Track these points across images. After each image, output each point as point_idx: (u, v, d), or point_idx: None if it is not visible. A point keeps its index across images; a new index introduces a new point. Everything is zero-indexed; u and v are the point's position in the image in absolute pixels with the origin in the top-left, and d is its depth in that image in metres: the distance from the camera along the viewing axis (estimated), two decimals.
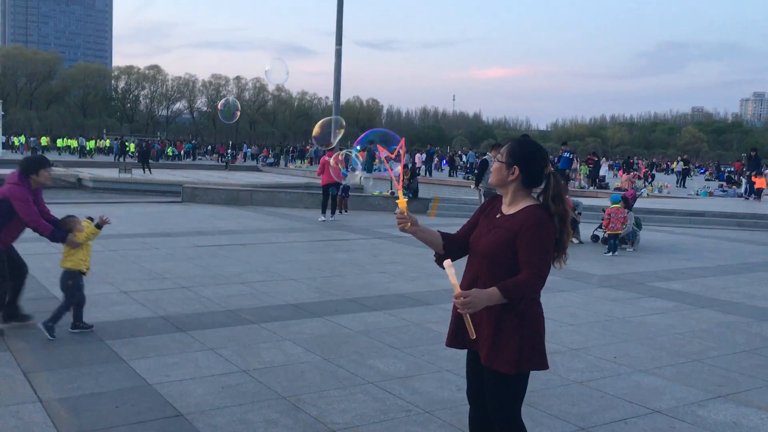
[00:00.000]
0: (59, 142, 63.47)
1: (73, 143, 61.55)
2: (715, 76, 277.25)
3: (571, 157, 27.38)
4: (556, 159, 26.85)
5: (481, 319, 2.93)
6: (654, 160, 55.19)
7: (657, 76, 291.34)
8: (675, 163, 39.24)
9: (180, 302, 7.21)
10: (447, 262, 2.86)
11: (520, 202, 2.99)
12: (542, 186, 3.00)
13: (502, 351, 2.89)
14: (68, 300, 6.08)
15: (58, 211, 6.84)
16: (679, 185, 34.81)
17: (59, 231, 6.13)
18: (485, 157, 14.03)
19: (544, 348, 2.97)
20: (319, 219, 15.49)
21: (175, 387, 4.74)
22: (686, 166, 38.80)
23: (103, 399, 4.47)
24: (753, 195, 24.41)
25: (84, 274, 6.17)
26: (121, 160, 42.97)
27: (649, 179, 37.11)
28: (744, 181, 27.76)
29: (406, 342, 6.01)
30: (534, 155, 3.00)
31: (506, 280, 2.84)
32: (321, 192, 16.02)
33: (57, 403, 4.38)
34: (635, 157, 51.51)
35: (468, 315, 2.82)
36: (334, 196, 15.91)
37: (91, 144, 63.47)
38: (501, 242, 2.92)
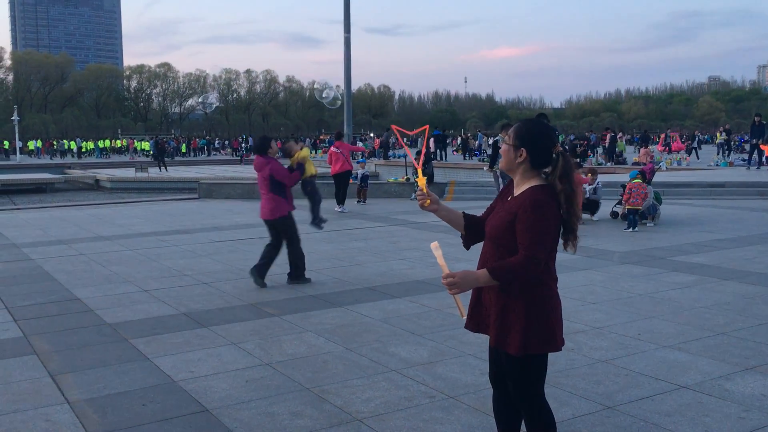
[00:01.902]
0: (72, 144, 64.08)
1: (73, 145, 61.87)
2: (730, 44, 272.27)
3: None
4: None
5: (490, 302, 2.94)
6: (696, 132, 53.60)
7: (671, 46, 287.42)
8: (718, 134, 37.59)
9: (201, 298, 7.25)
10: (434, 244, 2.89)
11: (526, 183, 2.94)
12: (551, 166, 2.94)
13: (508, 333, 2.88)
14: (314, 198, 8.84)
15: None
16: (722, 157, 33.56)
17: (295, 171, 8.04)
18: (497, 138, 13.89)
19: (554, 330, 2.90)
20: (335, 209, 15.34)
21: (200, 383, 4.77)
22: (729, 137, 37.29)
23: (129, 398, 4.52)
24: (764, 163, 23.26)
25: (315, 175, 8.97)
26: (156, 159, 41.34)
27: (692, 152, 36.05)
28: (747, 150, 26.72)
29: (428, 328, 6.00)
30: (541, 135, 2.92)
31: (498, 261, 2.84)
32: (333, 182, 15.77)
33: (84, 404, 4.43)
34: (668, 130, 49.80)
35: (457, 296, 2.87)
36: (345, 186, 15.58)
37: (107, 143, 64.16)
38: (502, 225, 2.90)
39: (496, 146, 13.45)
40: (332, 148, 15.82)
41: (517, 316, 2.86)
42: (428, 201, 3.03)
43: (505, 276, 2.80)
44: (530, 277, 2.81)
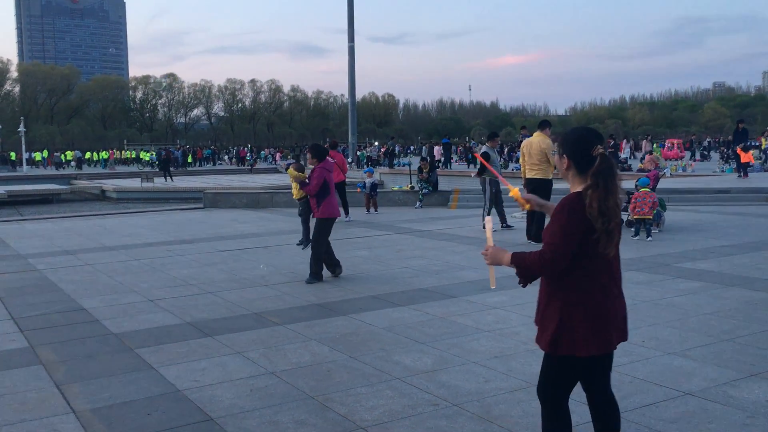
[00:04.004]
0: (69, 155, 64.17)
1: (69, 155, 62.06)
2: (736, 50, 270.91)
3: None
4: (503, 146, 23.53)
5: (539, 301, 3.11)
6: (730, 138, 51.97)
7: (676, 53, 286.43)
8: (764, 139, 34.86)
9: (206, 308, 7.28)
10: (488, 219, 3.21)
11: (572, 190, 3.07)
12: None
13: (544, 331, 3.03)
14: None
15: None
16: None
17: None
18: (484, 149, 13.78)
19: (586, 335, 2.94)
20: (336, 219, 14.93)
21: (205, 392, 4.78)
22: None
23: (134, 407, 4.54)
24: (741, 171, 22.59)
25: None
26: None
27: (728, 158, 35.22)
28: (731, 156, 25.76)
29: (432, 336, 6.01)
30: (579, 140, 3.01)
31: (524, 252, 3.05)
32: (342, 191, 15.38)
33: (90, 414, 4.45)
34: (692, 136, 47.58)
35: (491, 267, 3.14)
36: (343, 196, 15.26)
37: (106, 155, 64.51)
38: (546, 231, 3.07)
39: (484, 155, 13.38)
40: (326, 158, 15.52)
41: (553, 316, 3.00)
42: (527, 206, 3.34)
43: (520, 263, 2.97)
44: (542, 272, 2.95)
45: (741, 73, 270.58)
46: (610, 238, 2.92)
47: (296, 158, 55.69)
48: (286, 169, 9.30)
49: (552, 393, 3.10)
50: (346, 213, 15.34)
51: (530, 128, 14.37)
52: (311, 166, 8.94)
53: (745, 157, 22.61)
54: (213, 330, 6.38)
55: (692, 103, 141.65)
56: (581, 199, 2.93)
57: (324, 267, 8.66)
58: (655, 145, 34.15)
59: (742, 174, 22.46)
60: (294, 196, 10.27)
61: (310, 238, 9.02)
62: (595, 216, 2.85)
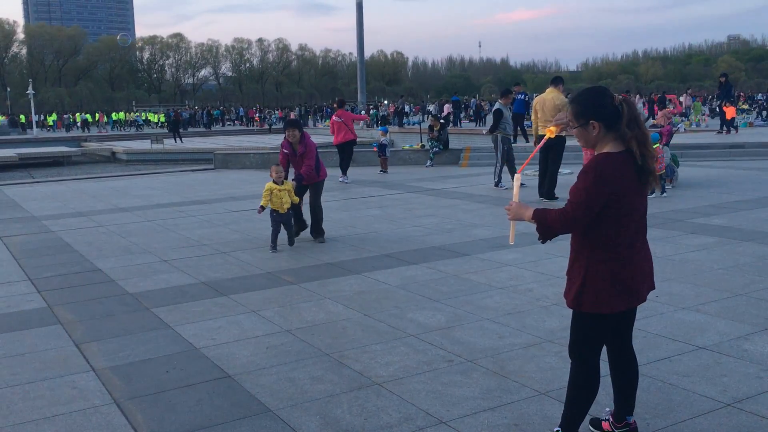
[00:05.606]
0: (79, 117, 64.25)
1: (78, 117, 62.29)
2: (751, 1, 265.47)
3: (525, 99, 24.21)
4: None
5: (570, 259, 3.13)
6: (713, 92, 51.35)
7: (690, 5, 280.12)
8: None
9: (220, 267, 7.33)
10: (517, 176, 3.28)
11: (601, 150, 3.02)
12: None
13: (570, 287, 3.07)
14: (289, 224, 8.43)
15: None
16: None
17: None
18: (497, 106, 13.49)
19: (609, 293, 2.96)
20: (339, 179, 14.68)
21: (222, 350, 4.84)
22: None
23: (153, 365, 4.60)
24: (726, 127, 22.10)
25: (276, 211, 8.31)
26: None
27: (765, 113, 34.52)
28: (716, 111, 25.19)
29: (445, 294, 6.03)
30: (598, 97, 2.96)
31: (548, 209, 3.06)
32: (337, 152, 15.27)
33: (109, 371, 4.52)
34: (721, 81, 45.99)
35: (512, 222, 3.22)
36: (349, 155, 15.13)
37: (121, 116, 64.45)
38: None
39: (497, 113, 13.15)
40: (334, 117, 15.30)
41: (578, 273, 3.03)
42: (559, 128, 3.32)
43: (541, 220, 2.99)
44: (562, 229, 2.96)
45: (757, 25, 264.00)
46: (655, 176, 3.00)
47: (304, 117, 55.41)
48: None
49: (580, 349, 3.13)
50: (344, 173, 15.03)
51: (540, 86, 14.16)
52: (290, 141, 8.65)
53: (729, 113, 22.21)
54: (227, 289, 6.43)
55: (706, 57, 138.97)
56: (609, 160, 2.90)
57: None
58: (697, 103, 33.13)
59: (731, 130, 22.04)
60: (285, 207, 8.28)
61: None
62: (644, 159, 2.91)
